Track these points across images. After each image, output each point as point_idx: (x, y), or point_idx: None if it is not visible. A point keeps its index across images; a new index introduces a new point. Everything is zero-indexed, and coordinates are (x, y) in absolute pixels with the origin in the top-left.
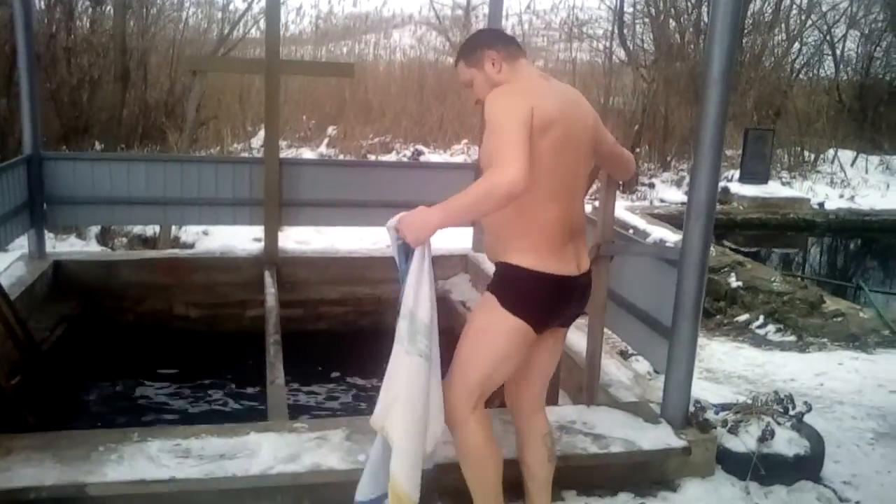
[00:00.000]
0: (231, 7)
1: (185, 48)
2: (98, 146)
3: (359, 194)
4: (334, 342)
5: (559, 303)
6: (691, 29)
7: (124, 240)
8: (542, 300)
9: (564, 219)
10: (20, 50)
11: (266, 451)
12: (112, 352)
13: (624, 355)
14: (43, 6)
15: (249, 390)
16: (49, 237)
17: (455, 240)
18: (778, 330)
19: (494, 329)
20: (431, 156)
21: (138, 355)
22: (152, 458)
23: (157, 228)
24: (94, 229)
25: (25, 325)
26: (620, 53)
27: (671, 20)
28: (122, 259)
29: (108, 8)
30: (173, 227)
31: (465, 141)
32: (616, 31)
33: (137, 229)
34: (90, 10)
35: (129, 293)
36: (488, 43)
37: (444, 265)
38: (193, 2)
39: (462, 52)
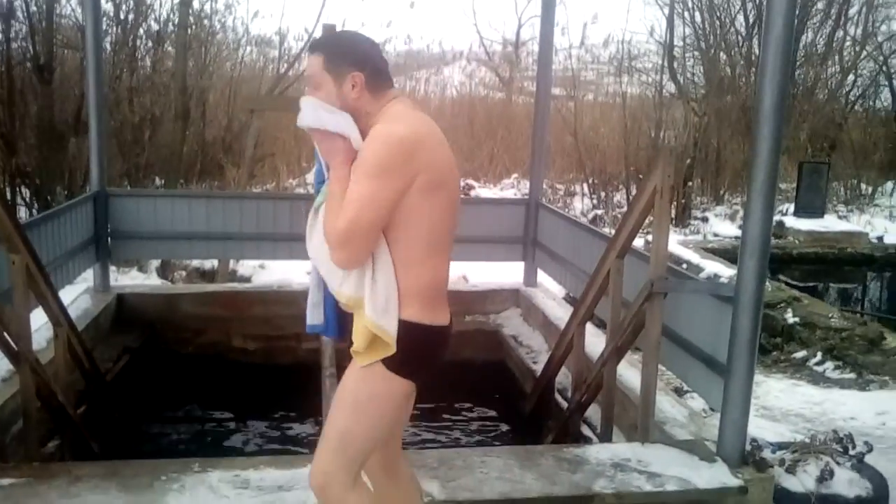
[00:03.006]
0: (285, 45)
1: (241, 86)
2: (158, 182)
3: None
4: None
5: (444, 356)
6: (742, 62)
7: (183, 273)
8: (436, 357)
9: (448, 269)
10: (91, 92)
11: None
12: (173, 382)
13: (679, 392)
14: (109, 48)
15: (305, 422)
16: (111, 270)
17: (506, 274)
18: (837, 367)
19: (382, 397)
20: (481, 190)
21: (198, 386)
22: (213, 488)
23: (216, 262)
24: (155, 262)
25: (91, 356)
26: (671, 87)
27: (722, 53)
28: (183, 292)
29: (169, 48)
30: (231, 261)
31: (514, 175)
32: (666, 64)
33: (196, 263)
34: (152, 50)
35: (189, 325)
36: (359, 63)
37: (495, 300)
38: (250, 41)
39: (325, 49)
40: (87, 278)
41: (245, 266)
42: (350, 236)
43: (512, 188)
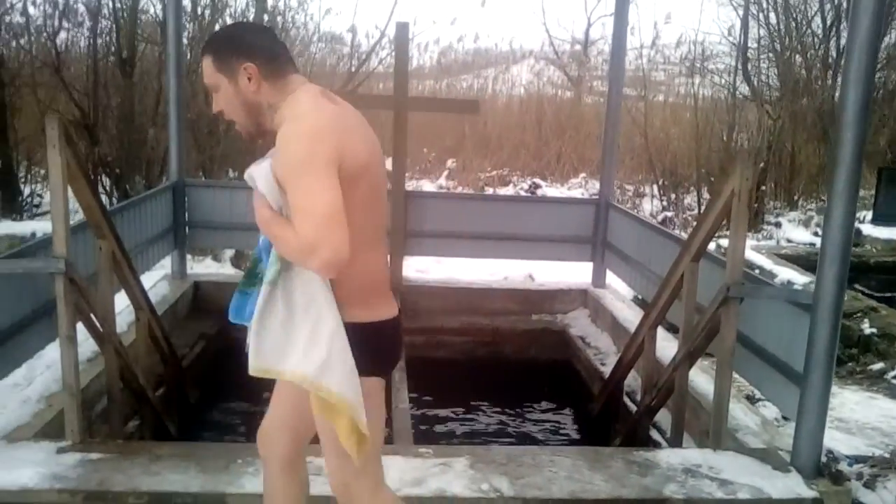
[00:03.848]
0: (356, 42)
1: (313, 83)
2: (232, 174)
3: (479, 226)
4: (453, 370)
5: (400, 346)
6: (818, 64)
7: None
8: (392, 349)
9: (385, 262)
10: (171, 86)
11: (393, 474)
12: (244, 370)
13: (751, 400)
14: (186, 43)
15: None
16: (187, 258)
17: (574, 274)
18: None
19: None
20: (549, 189)
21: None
22: None
23: None
24: (229, 252)
25: (169, 341)
26: (744, 89)
27: (797, 55)
28: None
29: None
30: None
31: (582, 175)
32: (740, 66)
33: None
34: None
35: None
36: (248, 53)
37: (563, 300)
38: (321, 37)
39: (213, 49)
40: (165, 265)
41: None
42: (318, 232)
43: (580, 188)
